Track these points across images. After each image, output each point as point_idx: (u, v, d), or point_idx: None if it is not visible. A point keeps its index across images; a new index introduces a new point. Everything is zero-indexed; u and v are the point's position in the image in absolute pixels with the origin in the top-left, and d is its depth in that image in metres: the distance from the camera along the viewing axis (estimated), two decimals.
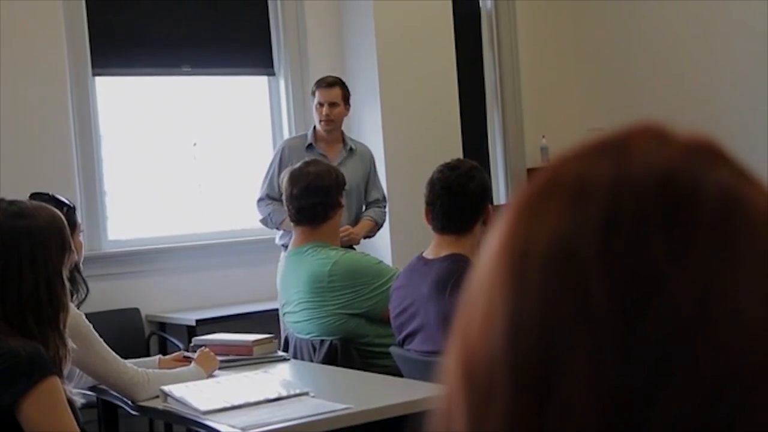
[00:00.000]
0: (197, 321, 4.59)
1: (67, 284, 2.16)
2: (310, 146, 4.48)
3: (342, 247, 3.62)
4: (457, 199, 2.80)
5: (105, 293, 4.72)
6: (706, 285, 0.49)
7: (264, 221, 4.51)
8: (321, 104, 4.46)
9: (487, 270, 0.53)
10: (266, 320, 4.51)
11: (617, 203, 0.51)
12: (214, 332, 4.42)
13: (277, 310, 4.06)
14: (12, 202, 2.17)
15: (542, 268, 0.51)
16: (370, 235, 4.46)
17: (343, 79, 5.49)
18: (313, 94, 4.53)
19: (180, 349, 4.56)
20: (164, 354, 4.77)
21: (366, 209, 4.51)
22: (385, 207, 4.63)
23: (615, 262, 0.50)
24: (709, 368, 0.48)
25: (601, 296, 0.49)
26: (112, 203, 4.99)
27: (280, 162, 4.42)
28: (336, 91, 4.50)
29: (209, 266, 5.08)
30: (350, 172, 4.22)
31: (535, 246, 0.51)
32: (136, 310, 4.86)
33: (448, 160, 5.28)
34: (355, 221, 4.37)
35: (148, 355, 4.78)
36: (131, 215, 5.09)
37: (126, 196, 5.09)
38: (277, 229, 4.47)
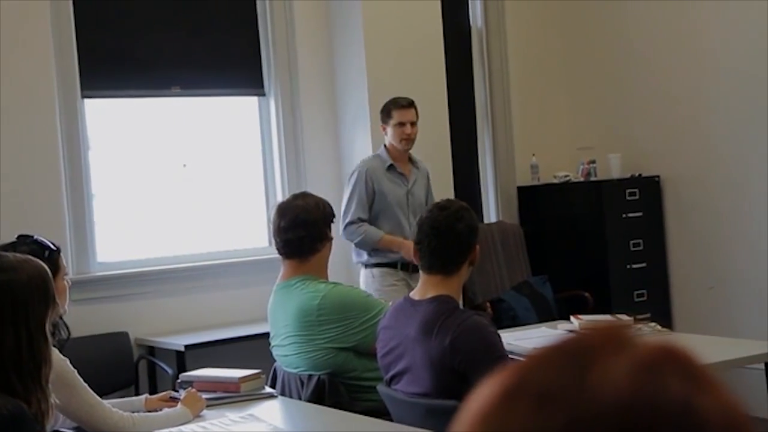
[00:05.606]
0: (186, 346, 4.57)
1: (50, 338, 2.15)
2: (390, 167, 4.69)
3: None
4: (444, 240, 2.80)
5: (93, 317, 4.72)
6: None
7: (362, 242, 4.62)
8: (402, 124, 4.67)
9: None
10: (256, 345, 4.49)
11: (578, 419, 0.53)
12: (204, 358, 4.44)
13: (267, 334, 4.07)
14: None
15: None
16: None
17: (333, 100, 5.51)
18: (388, 114, 4.69)
19: (169, 374, 4.57)
20: (153, 380, 4.79)
21: None
22: None
23: None
24: None
25: None
26: (101, 225, 4.97)
27: (366, 184, 4.63)
28: (413, 111, 4.73)
29: (199, 288, 5.07)
30: (419, 189, 4.72)
31: None
32: (125, 334, 4.84)
33: (437, 179, 5.36)
34: None
35: (137, 379, 4.78)
36: (120, 237, 5.07)
37: (115, 218, 5.07)
38: (373, 250, 4.61)
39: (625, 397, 0.53)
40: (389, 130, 4.70)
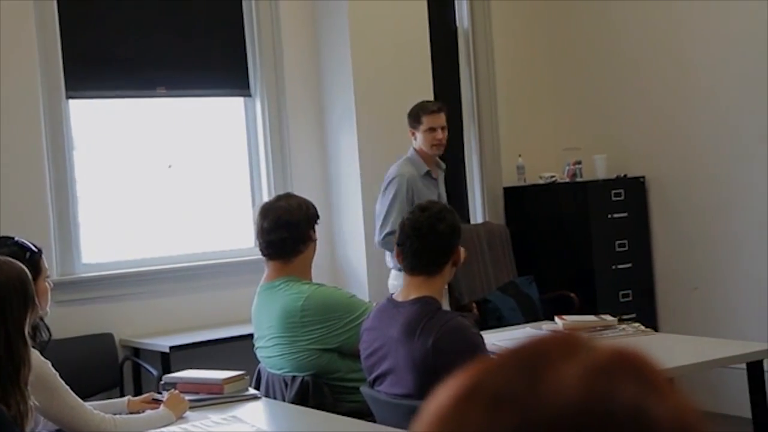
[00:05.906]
0: (171, 347, 4.56)
1: (29, 340, 2.14)
2: (427, 173, 4.71)
3: None
4: (426, 241, 2.80)
5: (78, 318, 4.71)
6: None
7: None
8: (433, 129, 4.66)
9: None
10: (241, 347, 4.49)
11: (530, 423, 0.54)
12: (189, 359, 4.43)
13: (252, 335, 4.07)
14: None
15: None
16: None
17: (319, 100, 5.51)
18: (417, 120, 4.68)
19: (154, 376, 4.56)
20: (138, 381, 4.78)
21: None
22: None
23: None
24: None
25: None
26: (86, 226, 4.96)
27: (407, 193, 4.61)
28: (443, 115, 4.73)
29: (184, 289, 5.06)
30: (443, 192, 4.78)
31: None
32: (110, 336, 4.83)
33: None
34: None
35: (121, 381, 4.77)
36: (105, 238, 5.05)
37: (100, 219, 5.05)
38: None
39: (577, 401, 0.53)
40: (419, 135, 4.68)
